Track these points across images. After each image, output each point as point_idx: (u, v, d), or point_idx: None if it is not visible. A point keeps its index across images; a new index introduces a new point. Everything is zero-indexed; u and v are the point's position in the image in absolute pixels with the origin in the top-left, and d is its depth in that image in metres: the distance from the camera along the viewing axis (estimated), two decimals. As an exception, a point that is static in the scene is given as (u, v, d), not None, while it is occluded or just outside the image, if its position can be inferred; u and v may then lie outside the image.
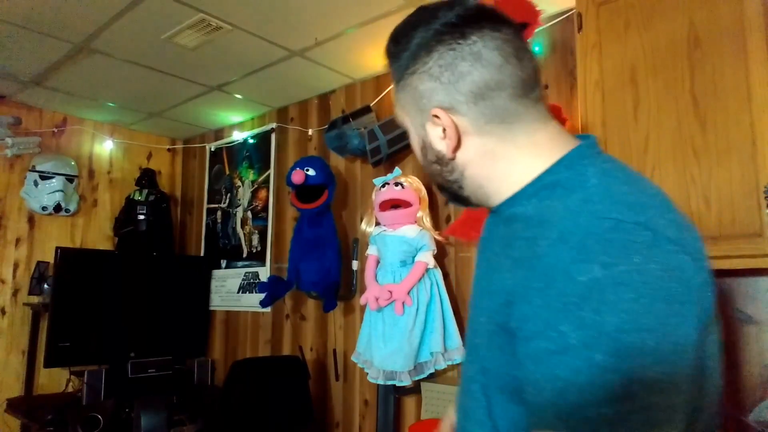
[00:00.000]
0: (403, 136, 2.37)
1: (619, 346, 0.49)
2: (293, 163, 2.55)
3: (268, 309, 2.99)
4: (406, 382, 2.01)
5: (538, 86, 0.69)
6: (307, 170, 2.43)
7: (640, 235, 0.54)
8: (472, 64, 0.65)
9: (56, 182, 3.09)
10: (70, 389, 2.96)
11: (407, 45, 0.70)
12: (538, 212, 0.63)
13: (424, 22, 0.70)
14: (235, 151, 3.41)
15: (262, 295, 2.59)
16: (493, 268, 0.70)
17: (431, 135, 0.70)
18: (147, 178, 3.42)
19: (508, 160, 0.68)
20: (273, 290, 2.57)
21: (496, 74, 0.65)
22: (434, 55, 0.67)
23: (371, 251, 2.26)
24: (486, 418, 0.67)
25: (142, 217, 3.28)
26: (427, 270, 2.10)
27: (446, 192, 0.76)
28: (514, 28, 0.69)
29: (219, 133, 3.58)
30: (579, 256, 0.53)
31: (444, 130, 0.69)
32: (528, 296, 0.57)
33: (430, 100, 0.69)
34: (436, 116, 0.68)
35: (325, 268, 2.45)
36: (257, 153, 3.27)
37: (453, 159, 0.70)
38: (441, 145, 0.70)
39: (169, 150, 3.80)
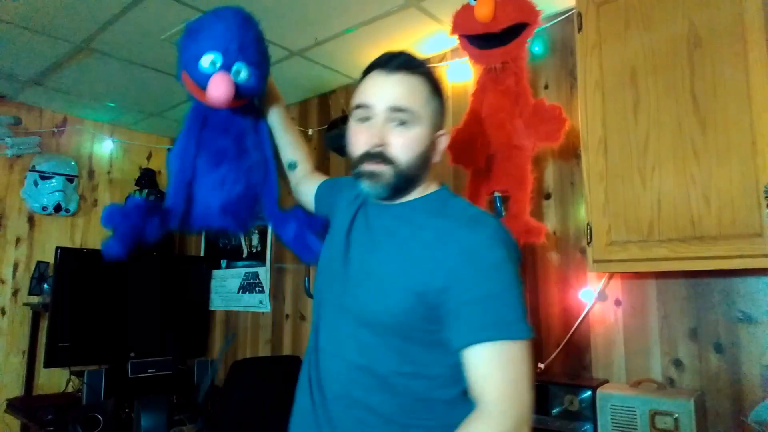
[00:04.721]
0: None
1: None
2: (193, 30, 1.25)
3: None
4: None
5: None
6: (238, 71, 1.16)
7: None
8: None
9: (56, 182, 3.09)
10: (70, 389, 2.96)
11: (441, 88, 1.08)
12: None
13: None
14: (235, 151, 3.41)
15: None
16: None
17: (443, 143, 1.08)
18: (147, 178, 3.42)
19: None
20: (127, 224, 1.24)
21: None
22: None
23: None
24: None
25: (142, 217, 3.27)
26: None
27: (406, 179, 1.03)
28: None
29: (219, 133, 3.58)
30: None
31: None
32: None
33: (443, 124, 1.08)
34: (445, 136, 1.08)
35: (249, 182, 1.30)
36: (257, 153, 3.27)
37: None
38: (439, 152, 1.08)
39: (169, 150, 3.80)
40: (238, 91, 1.15)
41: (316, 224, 1.22)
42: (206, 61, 1.14)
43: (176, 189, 1.25)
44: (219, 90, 1.11)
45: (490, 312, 0.90)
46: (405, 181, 1.02)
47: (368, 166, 1.00)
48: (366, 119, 1.01)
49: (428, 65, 1.06)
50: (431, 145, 1.04)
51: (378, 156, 0.99)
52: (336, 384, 1.01)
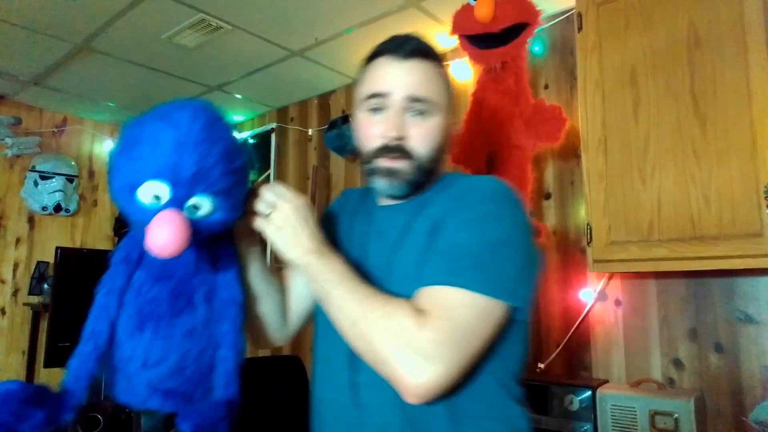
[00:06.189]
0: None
1: None
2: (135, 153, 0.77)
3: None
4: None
5: None
6: (196, 206, 0.76)
7: None
8: None
9: (56, 182, 3.09)
10: (70, 389, 2.96)
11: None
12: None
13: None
14: (235, 151, 3.41)
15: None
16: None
17: (454, 133, 0.99)
18: (147, 178, 3.42)
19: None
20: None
21: None
22: None
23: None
24: None
25: (142, 217, 3.28)
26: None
27: (425, 173, 0.91)
28: None
29: (219, 133, 3.58)
30: None
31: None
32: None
33: (454, 113, 0.98)
34: (457, 125, 0.98)
35: (192, 350, 0.84)
36: (257, 153, 3.27)
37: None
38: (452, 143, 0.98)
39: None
40: (197, 231, 0.75)
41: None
42: (147, 192, 0.73)
43: (84, 358, 0.81)
44: (162, 238, 0.70)
45: (454, 260, 0.78)
46: (424, 176, 0.90)
47: (386, 162, 0.89)
48: (379, 110, 0.89)
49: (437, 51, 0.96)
50: (448, 136, 0.94)
51: (397, 150, 0.88)
52: (389, 414, 0.83)
